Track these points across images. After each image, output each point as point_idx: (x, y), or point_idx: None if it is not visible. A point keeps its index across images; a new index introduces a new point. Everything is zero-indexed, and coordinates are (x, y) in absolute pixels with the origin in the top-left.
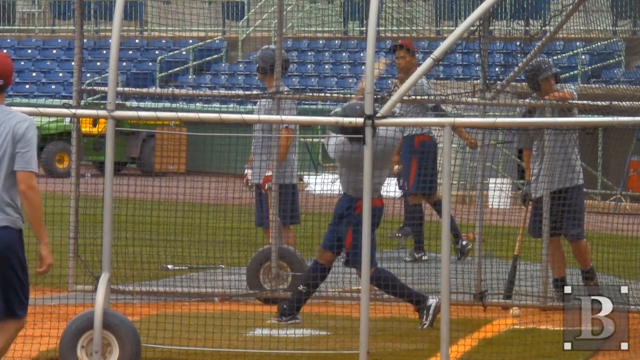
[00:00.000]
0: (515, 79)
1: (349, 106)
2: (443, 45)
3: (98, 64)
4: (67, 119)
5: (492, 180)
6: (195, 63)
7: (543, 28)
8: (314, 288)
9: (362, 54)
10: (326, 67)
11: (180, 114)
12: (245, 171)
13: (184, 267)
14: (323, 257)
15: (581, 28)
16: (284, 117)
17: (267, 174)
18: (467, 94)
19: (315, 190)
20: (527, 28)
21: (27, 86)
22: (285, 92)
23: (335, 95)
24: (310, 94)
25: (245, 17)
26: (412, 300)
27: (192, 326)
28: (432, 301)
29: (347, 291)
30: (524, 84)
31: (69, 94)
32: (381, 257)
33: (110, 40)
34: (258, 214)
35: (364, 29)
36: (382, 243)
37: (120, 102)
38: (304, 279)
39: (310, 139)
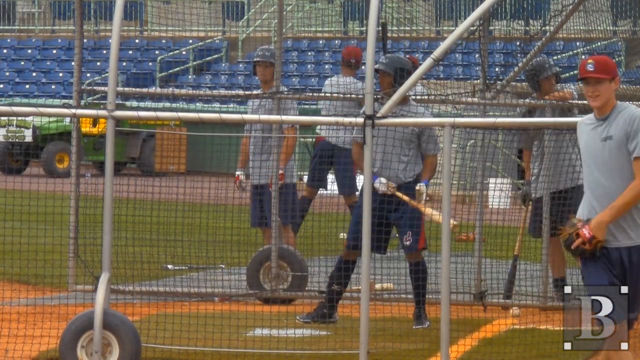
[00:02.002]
0: (515, 79)
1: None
2: (443, 45)
3: (98, 64)
4: (67, 119)
5: (492, 180)
6: (195, 63)
7: (543, 28)
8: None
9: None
10: (326, 67)
11: (180, 114)
12: (237, 173)
13: (184, 267)
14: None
15: (581, 28)
16: (284, 117)
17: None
18: (467, 94)
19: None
20: (527, 28)
21: (27, 86)
22: (285, 92)
23: (335, 95)
24: (310, 94)
25: (245, 17)
26: (418, 302)
27: (192, 326)
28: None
29: (347, 291)
30: (524, 84)
31: (69, 94)
32: (381, 258)
33: (110, 40)
34: (254, 215)
35: (364, 29)
36: None
37: (120, 102)
38: (334, 279)
39: (310, 139)
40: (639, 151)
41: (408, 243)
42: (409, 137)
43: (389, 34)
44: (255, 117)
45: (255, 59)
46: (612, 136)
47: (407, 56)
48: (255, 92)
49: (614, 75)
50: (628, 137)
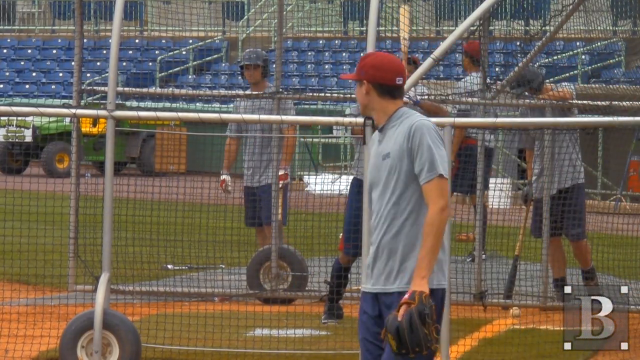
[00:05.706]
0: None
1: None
2: (443, 45)
3: (98, 64)
4: (67, 119)
5: (492, 180)
6: (195, 63)
7: (543, 28)
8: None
9: (362, 54)
10: (326, 67)
11: (180, 114)
12: (222, 176)
13: (184, 267)
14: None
15: (581, 28)
16: (284, 117)
17: (280, 173)
18: (467, 94)
19: (315, 190)
20: (527, 28)
21: (27, 86)
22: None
23: (335, 95)
24: (310, 94)
25: (245, 17)
26: None
27: (192, 326)
28: None
29: (347, 291)
30: None
31: (69, 94)
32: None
33: (110, 40)
34: (249, 215)
35: (364, 29)
36: None
37: (120, 102)
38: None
39: (310, 139)
40: (426, 175)
41: None
42: None
43: (388, 34)
44: (255, 117)
45: (242, 62)
46: (390, 153)
47: (409, 56)
48: (254, 92)
49: (360, 76)
50: (407, 154)
